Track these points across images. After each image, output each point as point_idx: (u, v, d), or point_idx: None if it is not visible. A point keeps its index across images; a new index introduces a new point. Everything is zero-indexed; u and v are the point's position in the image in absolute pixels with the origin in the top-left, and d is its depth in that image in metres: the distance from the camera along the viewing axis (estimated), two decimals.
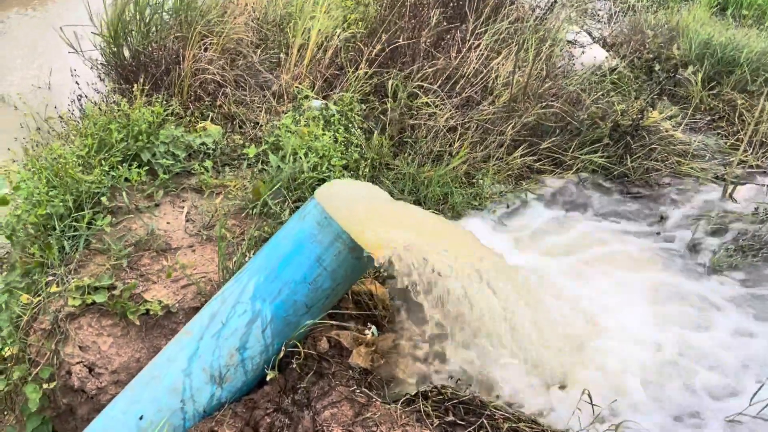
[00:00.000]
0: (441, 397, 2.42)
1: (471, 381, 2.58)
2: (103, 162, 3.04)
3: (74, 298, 2.55)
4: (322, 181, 3.27)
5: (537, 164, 4.18)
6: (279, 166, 3.22)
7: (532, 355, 2.60)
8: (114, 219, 2.94)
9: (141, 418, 2.30)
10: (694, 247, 3.51)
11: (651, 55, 5.99)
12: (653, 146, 4.26)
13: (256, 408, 2.36)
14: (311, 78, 4.39)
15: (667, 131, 4.61)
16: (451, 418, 2.28)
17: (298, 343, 2.39)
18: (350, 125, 3.91)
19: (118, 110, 3.33)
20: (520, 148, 4.16)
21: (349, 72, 4.30)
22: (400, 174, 3.71)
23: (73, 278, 2.64)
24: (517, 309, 2.60)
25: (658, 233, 3.65)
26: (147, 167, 3.20)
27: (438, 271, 2.50)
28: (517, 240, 3.47)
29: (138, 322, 2.59)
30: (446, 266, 2.47)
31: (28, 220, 2.81)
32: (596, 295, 2.99)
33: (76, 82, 3.80)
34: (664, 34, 6.34)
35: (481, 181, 3.86)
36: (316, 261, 2.34)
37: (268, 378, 2.38)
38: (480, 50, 4.85)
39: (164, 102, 3.86)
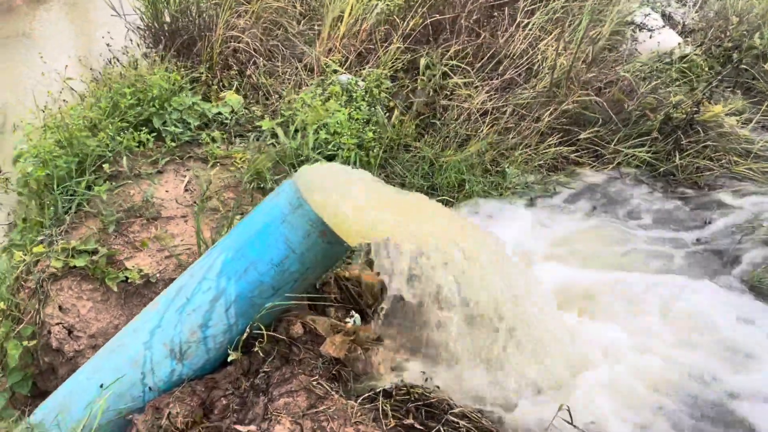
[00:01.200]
0: (408, 396, 2.27)
1: (446, 381, 2.42)
2: (110, 126, 3.04)
3: (57, 259, 2.56)
4: (329, 159, 3.15)
5: (573, 155, 3.88)
6: (285, 142, 3.13)
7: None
8: (114, 183, 2.94)
9: (102, 386, 2.28)
10: (736, 259, 3.16)
11: (731, 44, 5.46)
12: (708, 143, 3.86)
13: (216, 388, 2.30)
14: (344, 52, 4.25)
15: (731, 127, 4.18)
16: (410, 421, 2.13)
17: (262, 326, 2.29)
18: (375, 102, 3.76)
19: (136, 74, 3.32)
20: (556, 136, 3.88)
21: (378, 47, 4.13)
22: (418, 157, 3.53)
23: (62, 240, 2.66)
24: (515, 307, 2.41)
25: (698, 239, 3.31)
26: (155, 134, 3.18)
27: (425, 263, 2.35)
28: (531, 236, 3.23)
29: (116, 289, 2.58)
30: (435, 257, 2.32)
31: (32, 179, 2.85)
32: (603, 305, 2.73)
33: (107, 44, 3.83)
34: (751, 21, 5.77)
35: (507, 170, 3.62)
36: (285, 242, 2.24)
37: (229, 359, 2.31)
38: (530, 29, 4.56)
39: (188, 68, 3.84)
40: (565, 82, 4.01)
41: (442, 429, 2.07)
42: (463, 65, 4.17)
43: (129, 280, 2.58)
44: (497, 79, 4.32)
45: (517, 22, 4.58)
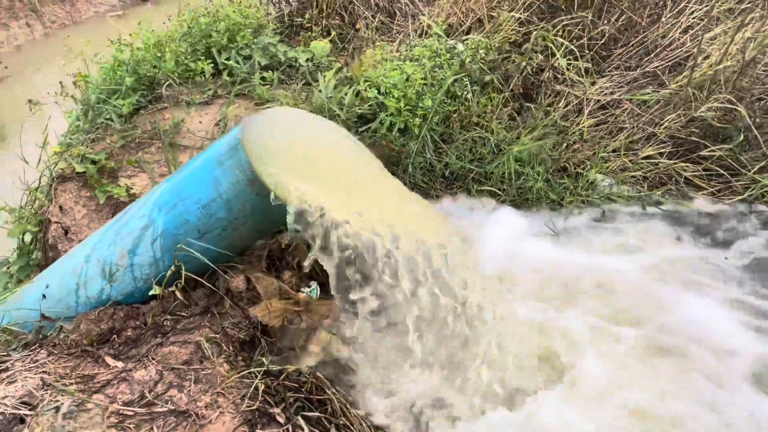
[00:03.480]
0: (299, 386, 1.98)
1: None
2: (167, 50, 3.10)
3: (65, 161, 2.69)
4: (361, 118, 2.88)
5: (691, 174, 3.06)
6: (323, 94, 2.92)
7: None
8: (155, 105, 3.00)
9: (47, 286, 2.35)
10: None
11: None
12: None
13: (135, 318, 2.23)
14: (461, 17, 3.85)
15: None
16: (275, 410, 1.84)
17: (182, 264, 2.15)
18: (465, 72, 3.34)
19: (218, 8, 3.35)
20: (676, 147, 3.10)
21: (486, 17, 3.67)
22: (484, 138, 3.06)
23: (82, 146, 2.79)
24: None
25: None
26: (213, 64, 3.18)
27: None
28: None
29: (102, 201, 2.63)
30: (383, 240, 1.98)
31: (81, 89, 3.03)
32: None
33: None
34: None
35: (587, 173, 2.98)
36: (213, 184, 2.06)
37: (151, 293, 2.22)
38: (699, 18, 3.70)
39: (295, 12, 3.79)
40: (710, 84, 3.17)
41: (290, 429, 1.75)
42: (591, 50, 3.53)
43: (115, 196, 2.61)
44: (636, 69, 3.59)
45: (683, 5, 3.75)
